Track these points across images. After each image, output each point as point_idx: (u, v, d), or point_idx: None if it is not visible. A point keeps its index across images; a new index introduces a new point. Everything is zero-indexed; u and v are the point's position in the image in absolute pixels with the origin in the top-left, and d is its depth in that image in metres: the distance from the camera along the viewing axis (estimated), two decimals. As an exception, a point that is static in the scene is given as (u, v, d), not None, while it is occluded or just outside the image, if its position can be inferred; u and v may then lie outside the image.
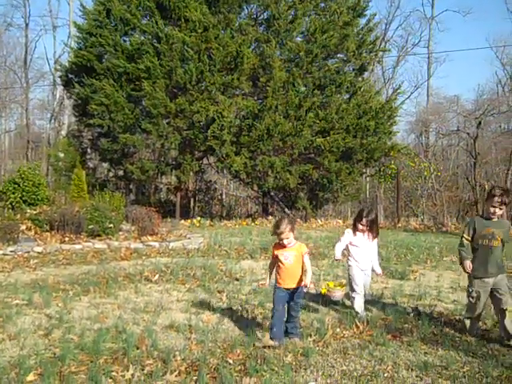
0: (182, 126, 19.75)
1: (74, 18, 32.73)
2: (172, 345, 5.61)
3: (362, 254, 6.91)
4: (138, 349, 5.39)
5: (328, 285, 7.57)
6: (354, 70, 22.37)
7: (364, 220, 6.84)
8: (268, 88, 20.05)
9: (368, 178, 28.67)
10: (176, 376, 4.77)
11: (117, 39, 20.10)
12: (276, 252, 5.81)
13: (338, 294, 7.32)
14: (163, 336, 5.93)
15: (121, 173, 22.63)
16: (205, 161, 23.69)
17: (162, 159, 21.80)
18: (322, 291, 7.54)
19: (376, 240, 7.08)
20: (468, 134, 32.37)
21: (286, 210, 21.64)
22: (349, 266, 6.99)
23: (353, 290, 6.88)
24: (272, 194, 22.37)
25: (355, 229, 6.95)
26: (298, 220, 20.11)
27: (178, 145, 20.18)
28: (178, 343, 5.69)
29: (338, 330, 6.23)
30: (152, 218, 14.27)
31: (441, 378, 4.80)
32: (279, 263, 5.75)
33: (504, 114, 34.39)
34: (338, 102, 20.57)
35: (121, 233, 13.95)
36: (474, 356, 5.39)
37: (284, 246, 5.73)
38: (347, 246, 6.99)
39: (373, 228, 6.94)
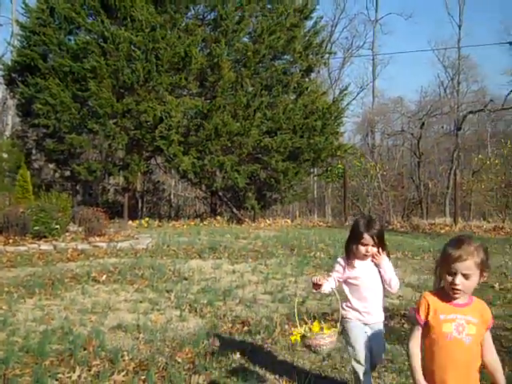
0: (130, 126, 19.57)
1: (16, 16, 31.95)
2: (120, 345, 5.56)
3: (366, 295, 4.13)
4: (84, 350, 5.32)
5: (306, 325, 3.88)
6: (300, 70, 22.52)
7: (366, 236, 4.04)
8: (217, 88, 20.07)
9: (315, 178, 28.94)
10: (124, 376, 4.73)
11: (61, 38, 19.80)
12: (435, 315, 2.86)
13: (319, 341, 3.77)
14: (111, 336, 5.88)
15: (67, 173, 22.29)
16: (153, 161, 23.56)
17: (110, 160, 21.54)
18: (292, 338, 3.89)
19: (388, 259, 4.19)
20: (412, 134, 33.23)
21: (234, 210, 21.66)
22: (343, 318, 4.14)
23: (352, 358, 4.13)
24: (220, 194, 22.37)
25: (351, 255, 4.17)
26: (247, 220, 20.17)
27: (125, 145, 19.98)
28: (126, 343, 5.65)
29: (287, 326, 6.28)
30: (99, 219, 14.11)
31: (387, 372, 4.89)
32: (437, 340, 2.85)
33: (446, 115, 35.30)
34: (285, 103, 20.73)
35: (67, 234, 13.75)
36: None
37: (451, 299, 2.85)
38: (343, 283, 4.25)
39: (381, 244, 4.13)
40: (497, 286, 8.45)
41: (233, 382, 4.71)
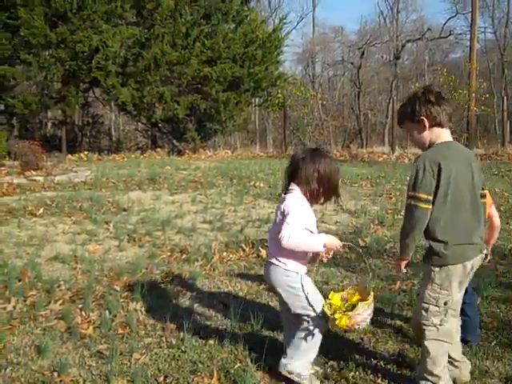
0: (65, 56, 18.92)
1: None
2: (57, 276, 5.54)
3: None
4: (20, 281, 5.29)
5: (331, 300, 3.49)
6: (240, -1, 22.12)
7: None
8: (155, 16, 19.56)
9: (256, 109, 28.83)
10: (60, 305, 4.74)
11: (-13, -38, 18.79)
12: None
13: (363, 316, 3.28)
14: (48, 268, 5.85)
15: (2, 107, 21.54)
16: (91, 94, 23.00)
17: (46, 92, 20.89)
18: (340, 324, 3.28)
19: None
20: (352, 63, 33.27)
21: (175, 141, 21.48)
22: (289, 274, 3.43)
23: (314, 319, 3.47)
24: (160, 125, 22.11)
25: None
26: (187, 152, 20.05)
27: (61, 77, 19.41)
28: (64, 274, 5.64)
29: (225, 253, 6.37)
30: (36, 153, 13.73)
31: (321, 293, 5.03)
32: None
33: (385, 44, 35.43)
34: (224, 31, 20.41)
35: (3, 168, 13.39)
36: (353, 271, 5.71)
37: None
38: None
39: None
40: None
41: (170, 308, 4.78)
